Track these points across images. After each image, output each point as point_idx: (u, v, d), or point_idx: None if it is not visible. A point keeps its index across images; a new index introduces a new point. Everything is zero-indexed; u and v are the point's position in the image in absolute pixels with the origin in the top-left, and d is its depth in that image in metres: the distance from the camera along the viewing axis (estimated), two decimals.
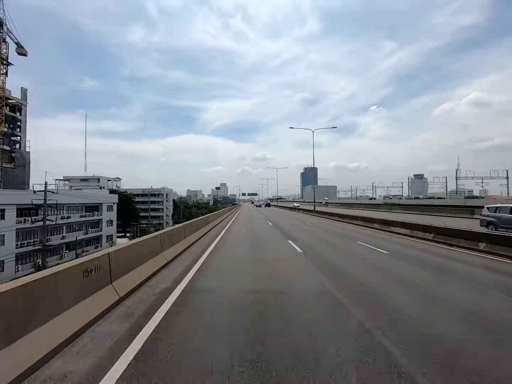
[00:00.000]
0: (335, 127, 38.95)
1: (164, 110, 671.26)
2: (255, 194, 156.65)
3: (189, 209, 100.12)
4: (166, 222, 70.91)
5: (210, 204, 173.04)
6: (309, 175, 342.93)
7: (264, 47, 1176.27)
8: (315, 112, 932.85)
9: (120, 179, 74.89)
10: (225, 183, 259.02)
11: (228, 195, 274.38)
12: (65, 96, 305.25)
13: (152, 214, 70.17)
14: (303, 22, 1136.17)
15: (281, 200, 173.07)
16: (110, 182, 69.61)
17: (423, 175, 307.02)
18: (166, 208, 73.16)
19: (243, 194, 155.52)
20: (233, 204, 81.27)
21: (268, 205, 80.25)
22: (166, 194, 74.69)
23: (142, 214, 67.50)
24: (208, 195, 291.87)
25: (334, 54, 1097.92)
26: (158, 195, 73.73)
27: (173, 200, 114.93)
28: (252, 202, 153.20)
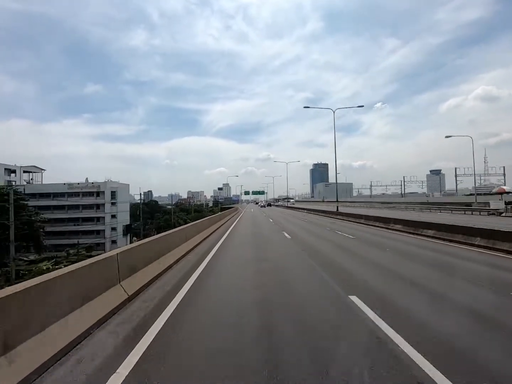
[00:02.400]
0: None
1: (167, 113, 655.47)
2: (262, 193, 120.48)
3: (167, 215, 70.37)
4: (112, 241, 41.02)
5: (210, 206, 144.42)
6: (319, 172, 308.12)
7: (265, 48, 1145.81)
8: (317, 111, 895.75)
9: (42, 170, 45.33)
10: (228, 184, 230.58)
11: (231, 195, 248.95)
12: (69, 101, 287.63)
13: (87, 227, 40.42)
14: (304, 21, 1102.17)
15: (289, 200, 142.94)
16: (14, 174, 39.78)
17: (440, 170, 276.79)
18: (113, 216, 43.01)
19: (246, 193, 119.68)
20: (224, 209, 46.06)
21: (269, 205, 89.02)
22: (112, 192, 44.41)
23: (63, 228, 37.82)
24: (211, 196, 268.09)
25: (337, 53, 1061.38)
26: (98, 193, 43.60)
27: (148, 203, 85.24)
28: (256, 203, 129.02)
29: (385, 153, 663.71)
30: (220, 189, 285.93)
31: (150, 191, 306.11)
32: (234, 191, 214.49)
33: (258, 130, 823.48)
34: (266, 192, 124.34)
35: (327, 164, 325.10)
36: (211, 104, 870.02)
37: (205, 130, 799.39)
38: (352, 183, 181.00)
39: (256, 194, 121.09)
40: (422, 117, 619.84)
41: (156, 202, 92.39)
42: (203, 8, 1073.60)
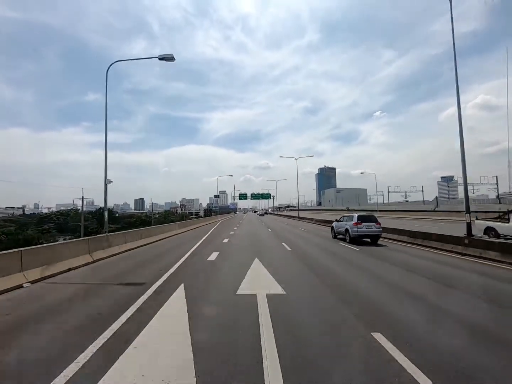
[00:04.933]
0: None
1: (166, 121, 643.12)
2: (267, 197, 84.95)
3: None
4: None
5: (201, 215, 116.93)
6: (326, 177, 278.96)
7: (264, 58, 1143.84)
8: (316, 121, 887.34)
9: None
10: (225, 191, 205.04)
11: (228, 203, 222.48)
12: (69, 109, 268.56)
13: None
14: (302, 32, 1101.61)
15: (291, 209, 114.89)
16: None
17: (452, 177, 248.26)
18: None
19: (242, 197, 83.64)
20: None
21: (266, 213, 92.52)
22: None
23: None
24: (207, 204, 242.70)
25: (334, 63, 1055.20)
26: None
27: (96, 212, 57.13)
28: (255, 211, 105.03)
29: (383, 162, 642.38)
30: (216, 196, 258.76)
31: (142, 199, 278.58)
32: (231, 199, 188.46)
33: (257, 139, 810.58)
34: (274, 196, 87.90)
35: (334, 169, 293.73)
36: (210, 113, 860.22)
37: (204, 139, 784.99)
38: (366, 189, 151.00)
39: (258, 198, 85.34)
40: (420, 127, 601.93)
41: (109, 210, 62.09)
42: (202, 19, 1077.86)
